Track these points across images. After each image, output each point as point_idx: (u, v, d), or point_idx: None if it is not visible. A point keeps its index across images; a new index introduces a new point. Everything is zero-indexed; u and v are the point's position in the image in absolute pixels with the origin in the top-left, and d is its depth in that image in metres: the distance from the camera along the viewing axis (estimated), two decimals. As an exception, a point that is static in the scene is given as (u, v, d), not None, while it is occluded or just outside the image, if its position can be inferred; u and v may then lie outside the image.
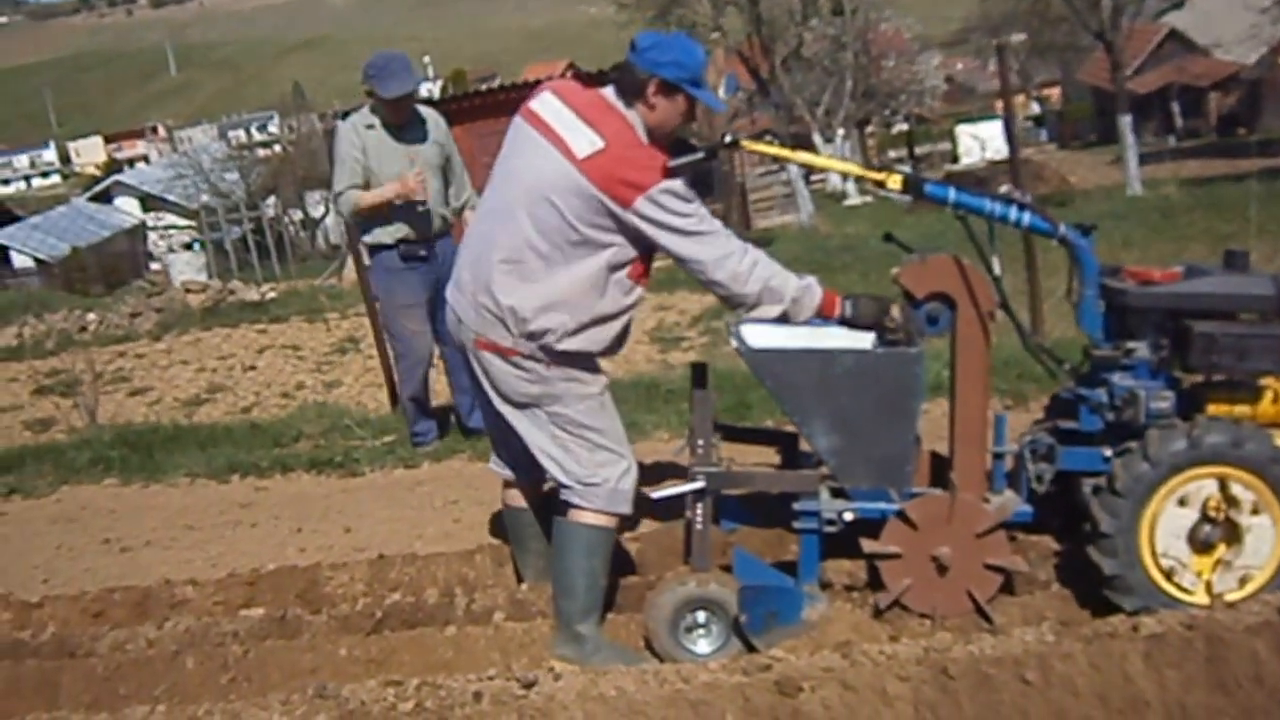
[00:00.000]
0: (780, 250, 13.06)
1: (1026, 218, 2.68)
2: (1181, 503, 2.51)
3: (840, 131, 21.42)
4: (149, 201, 33.06)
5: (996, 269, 2.67)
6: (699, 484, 2.71)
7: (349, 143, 4.42)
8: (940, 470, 2.86)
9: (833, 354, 2.66)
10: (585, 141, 2.50)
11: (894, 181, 2.69)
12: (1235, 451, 2.47)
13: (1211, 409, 2.63)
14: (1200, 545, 2.52)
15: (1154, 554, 2.51)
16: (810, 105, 20.25)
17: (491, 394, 2.72)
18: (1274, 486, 2.47)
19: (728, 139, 2.77)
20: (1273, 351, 2.60)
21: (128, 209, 34.41)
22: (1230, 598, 2.46)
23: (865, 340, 2.88)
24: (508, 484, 3.00)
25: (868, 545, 2.68)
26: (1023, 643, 2.26)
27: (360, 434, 5.15)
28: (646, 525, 3.45)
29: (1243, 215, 8.06)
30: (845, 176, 18.43)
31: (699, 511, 2.72)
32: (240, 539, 3.96)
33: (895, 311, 2.68)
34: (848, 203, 21.32)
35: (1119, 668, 2.15)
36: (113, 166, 52.18)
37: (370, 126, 4.42)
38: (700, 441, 2.82)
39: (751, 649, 2.56)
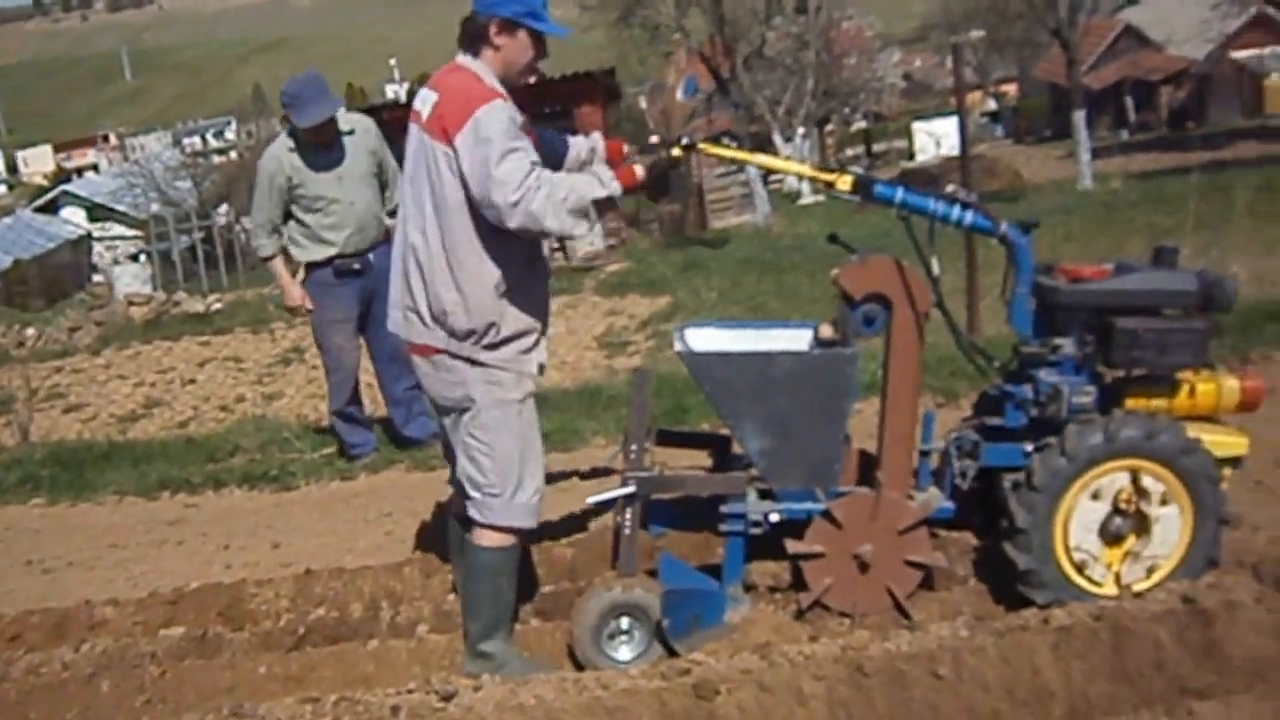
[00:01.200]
0: (733, 250, 13.09)
1: (969, 217, 2.69)
2: (1094, 496, 2.53)
3: (800, 130, 21.47)
4: (96, 211, 32.25)
5: (935, 269, 2.68)
6: (629, 489, 2.69)
7: (268, 173, 4.37)
8: (867, 468, 2.86)
9: (772, 356, 2.67)
10: (428, 105, 2.55)
11: (844, 182, 2.70)
12: (1148, 444, 2.50)
13: (1130, 403, 2.66)
14: (1110, 537, 2.54)
15: (1067, 548, 2.53)
16: (771, 104, 20.27)
17: (430, 404, 2.72)
18: (1182, 476, 2.51)
19: (684, 141, 2.76)
20: (1191, 345, 2.63)
21: (74, 220, 33.54)
22: (1138, 588, 2.49)
23: (803, 341, 2.88)
24: (455, 494, 2.96)
25: (792, 546, 2.67)
26: (937, 638, 2.27)
27: (299, 447, 5.06)
28: (579, 531, 3.42)
29: (1183, 208, 8.21)
30: (800, 177, 18.49)
31: (627, 516, 2.70)
32: (166, 557, 3.88)
33: (673, 153, 2.69)
34: (801, 202, 21.41)
35: (1028, 660, 2.17)
36: (61, 176, 50.82)
37: (293, 150, 4.36)
38: (633, 446, 2.81)
39: (674, 653, 2.54)
